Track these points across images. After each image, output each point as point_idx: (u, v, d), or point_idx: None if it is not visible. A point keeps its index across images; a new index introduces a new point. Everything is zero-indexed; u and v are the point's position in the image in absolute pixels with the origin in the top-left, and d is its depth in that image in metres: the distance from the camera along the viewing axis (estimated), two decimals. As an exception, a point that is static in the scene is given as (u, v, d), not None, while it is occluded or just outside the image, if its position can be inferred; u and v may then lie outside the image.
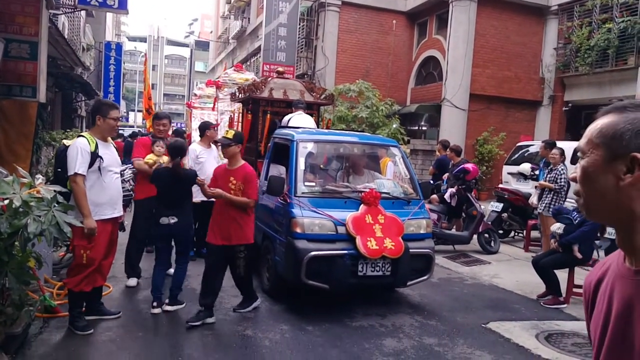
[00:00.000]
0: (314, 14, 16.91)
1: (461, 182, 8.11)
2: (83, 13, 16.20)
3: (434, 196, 8.52)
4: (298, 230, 4.67)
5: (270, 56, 15.89)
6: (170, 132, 6.43)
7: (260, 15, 19.41)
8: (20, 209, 3.09)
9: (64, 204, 3.38)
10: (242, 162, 4.58)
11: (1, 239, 3.08)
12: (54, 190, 3.37)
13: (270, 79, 7.13)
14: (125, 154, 8.44)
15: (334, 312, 4.87)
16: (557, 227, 5.59)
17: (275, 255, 5.03)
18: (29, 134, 6.30)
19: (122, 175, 4.88)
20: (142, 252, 5.69)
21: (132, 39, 59.86)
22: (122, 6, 12.05)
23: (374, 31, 16.60)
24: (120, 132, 16.51)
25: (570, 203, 6.90)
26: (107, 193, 4.16)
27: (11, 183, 3.17)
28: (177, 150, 4.63)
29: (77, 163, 3.93)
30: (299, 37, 16.62)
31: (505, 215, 8.95)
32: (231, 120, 8.20)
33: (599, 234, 5.60)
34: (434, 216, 7.76)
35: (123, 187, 4.71)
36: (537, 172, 8.52)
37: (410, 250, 4.78)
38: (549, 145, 7.55)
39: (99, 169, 4.07)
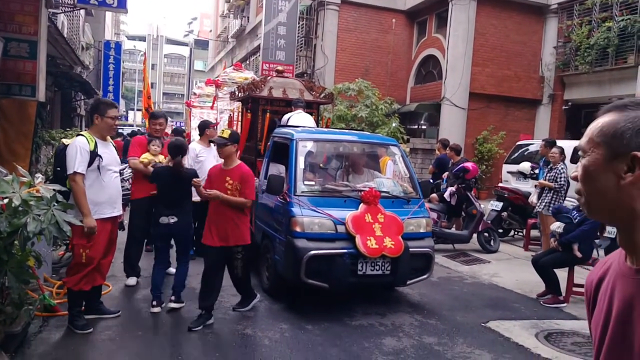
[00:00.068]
0: (313, 13, 16.89)
1: (461, 181, 8.11)
2: (82, 12, 16.18)
3: (434, 195, 8.53)
4: (298, 229, 4.66)
5: (269, 55, 15.88)
6: (169, 131, 6.42)
7: (259, 14, 19.39)
8: (20, 208, 3.09)
9: (64, 203, 3.38)
10: (238, 161, 4.55)
11: (1, 238, 3.08)
12: (54, 189, 3.37)
13: (269, 77, 7.12)
14: (125, 153, 8.42)
15: (334, 311, 4.87)
16: (556, 226, 5.59)
17: (274, 254, 5.03)
18: (28, 133, 6.29)
19: (121, 174, 4.88)
20: (140, 251, 5.68)
21: (132, 37, 59.78)
22: (122, 5, 12.05)
23: (373, 30, 16.58)
24: (120, 131, 16.49)
25: (569, 202, 6.90)
26: (106, 192, 4.15)
27: (11, 182, 3.16)
28: (178, 149, 4.62)
29: (77, 162, 3.93)
30: (298, 36, 16.60)
31: (504, 214, 8.96)
32: (230, 119, 8.20)
33: (598, 233, 5.60)
34: (434, 215, 7.77)
35: (122, 186, 4.71)
36: (536, 171, 8.52)
37: (410, 249, 4.78)
38: (549, 144, 7.55)
39: (98, 168, 4.06)
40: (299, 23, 16.48)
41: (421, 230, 5.11)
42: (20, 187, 3.21)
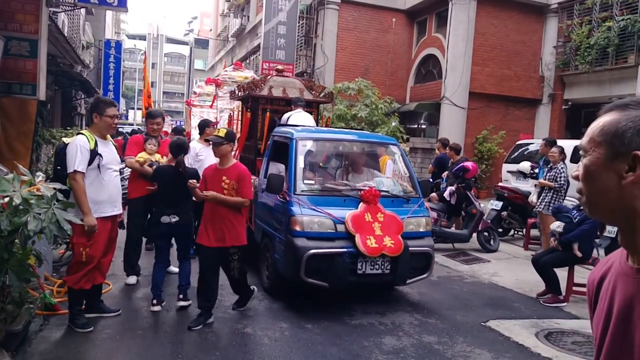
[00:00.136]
0: (313, 12, 16.88)
1: (460, 181, 8.12)
2: (83, 11, 16.19)
3: (434, 194, 8.53)
4: (297, 228, 4.66)
5: (269, 54, 15.88)
6: (169, 130, 6.42)
7: (259, 13, 19.38)
8: (21, 207, 3.09)
9: (64, 202, 3.38)
10: (234, 160, 4.52)
11: (1, 237, 3.08)
12: (54, 188, 3.37)
13: (269, 77, 7.11)
14: (124, 151, 8.43)
15: (334, 310, 4.88)
16: (556, 225, 5.59)
17: (274, 253, 5.03)
18: (28, 131, 6.29)
19: (121, 173, 4.88)
20: (140, 250, 5.68)
21: (132, 37, 59.76)
22: (122, 4, 12.04)
23: (373, 29, 16.57)
24: (120, 130, 16.49)
25: (569, 201, 6.91)
26: (106, 191, 4.16)
27: (11, 181, 3.17)
28: (180, 148, 4.62)
29: (77, 161, 3.93)
30: (298, 35, 16.59)
31: (504, 213, 8.96)
32: (230, 118, 8.20)
33: (598, 233, 5.60)
34: (434, 214, 7.77)
35: (122, 185, 4.71)
36: (536, 171, 8.52)
37: (410, 248, 4.78)
38: (549, 143, 7.55)
39: (98, 166, 4.07)
40: (299, 22, 16.47)
41: (421, 230, 5.11)
42: (21, 186, 3.21)
